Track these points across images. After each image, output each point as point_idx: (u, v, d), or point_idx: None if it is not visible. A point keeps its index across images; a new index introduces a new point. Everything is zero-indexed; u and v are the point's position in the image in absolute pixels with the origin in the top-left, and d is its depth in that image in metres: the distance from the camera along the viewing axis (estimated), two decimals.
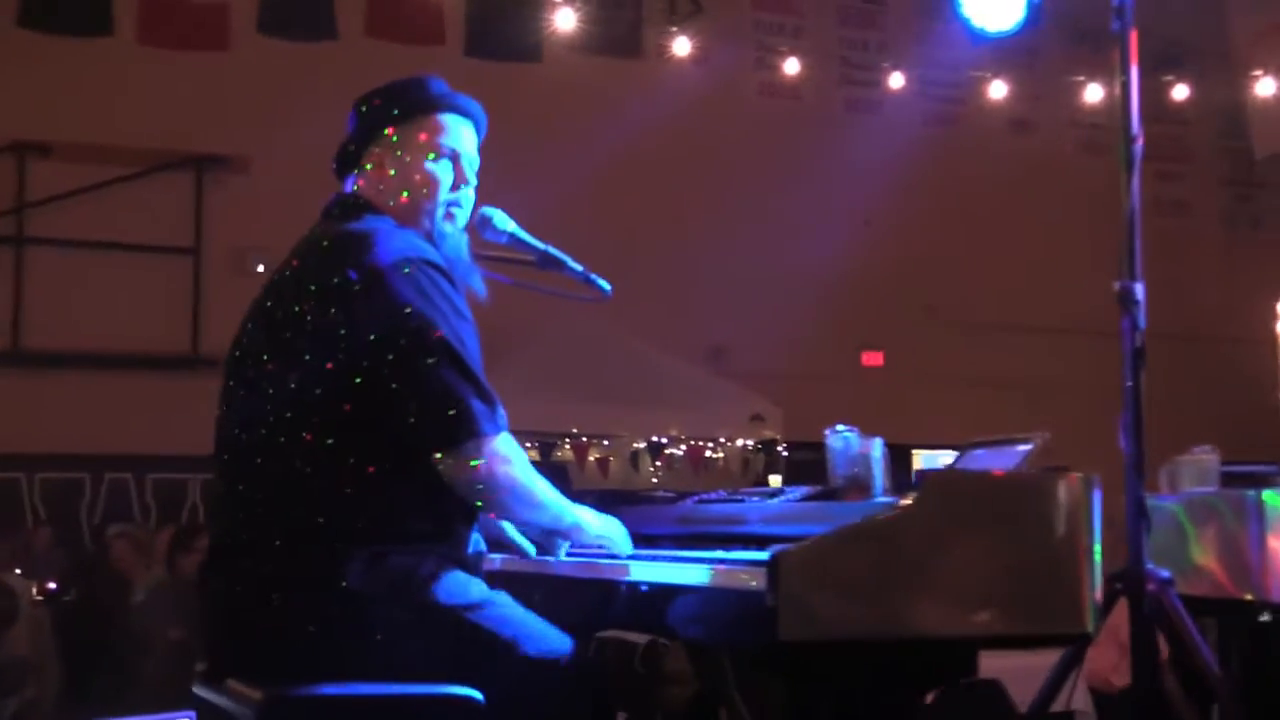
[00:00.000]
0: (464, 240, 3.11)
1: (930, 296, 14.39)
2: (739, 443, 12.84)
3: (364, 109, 3.16)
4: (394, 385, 2.81)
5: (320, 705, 2.71)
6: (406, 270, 2.84)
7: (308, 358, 2.85)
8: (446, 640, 2.82)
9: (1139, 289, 3.59)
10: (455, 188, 3.11)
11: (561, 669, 2.84)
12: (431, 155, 3.09)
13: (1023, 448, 2.91)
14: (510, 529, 3.26)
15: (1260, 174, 14.81)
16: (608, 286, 3.24)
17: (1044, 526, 2.62)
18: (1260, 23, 12.57)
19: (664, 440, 12.44)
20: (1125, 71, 3.65)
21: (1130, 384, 3.59)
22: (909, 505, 2.54)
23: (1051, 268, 14.06)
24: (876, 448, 3.38)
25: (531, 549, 3.23)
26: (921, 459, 14.17)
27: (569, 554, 3.17)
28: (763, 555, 2.55)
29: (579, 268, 3.23)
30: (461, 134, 3.15)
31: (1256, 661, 3.72)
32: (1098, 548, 2.67)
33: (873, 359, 14.68)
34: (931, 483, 2.55)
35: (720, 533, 3.29)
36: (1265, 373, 13.81)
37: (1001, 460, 2.91)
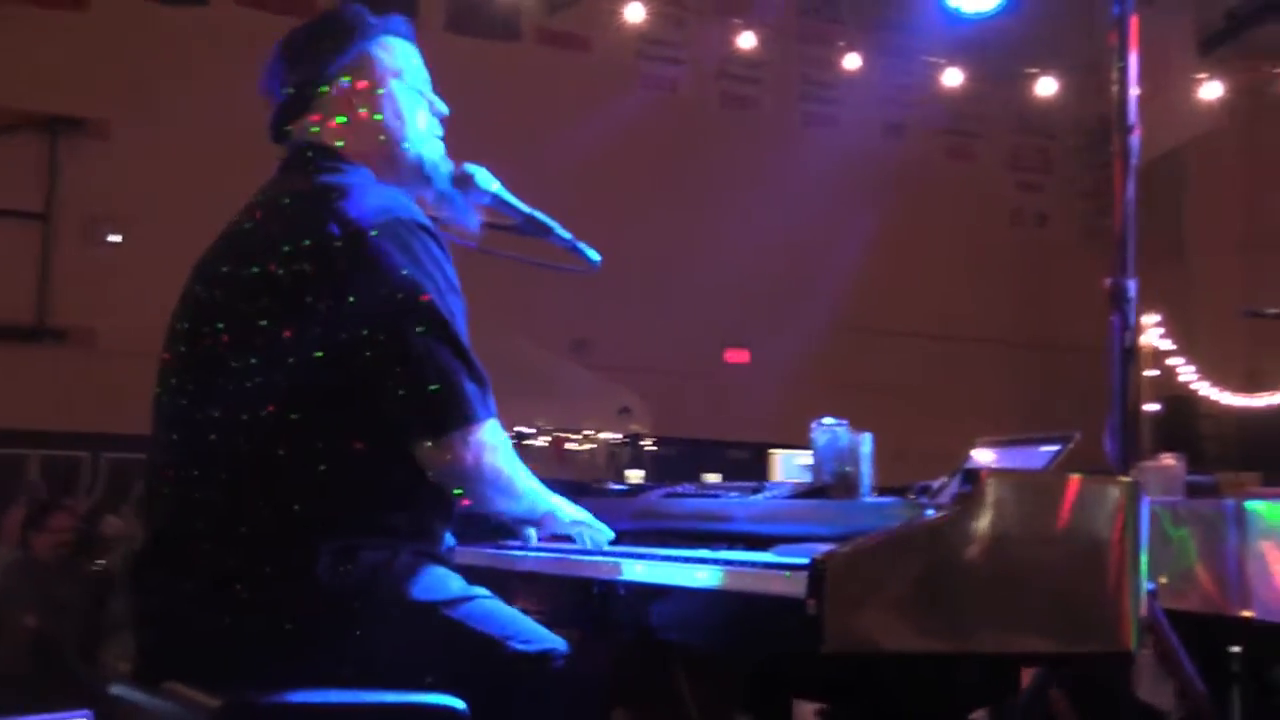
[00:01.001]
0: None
1: (795, 296, 14.32)
2: (604, 436, 12.62)
3: (299, 50, 2.81)
4: (377, 361, 2.50)
5: (285, 715, 2.39)
6: (395, 231, 2.53)
7: (276, 326, 2.53)
8: (425, 639, 2.53)
9: (1131, 286, 3.43)
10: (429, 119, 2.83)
11: (555, 668, 2.56)
12: (398, 88, 2.78)
13: (1048, 448, 2.71)
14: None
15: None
16: (596, 256, 2.97)
17: (1096, 534, 2.41)
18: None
19: (528, 431, 12.16)
20: (1123, 58, 3.49)
21: (1119, 385, 3.43)
22: (962, 506, 2.31)
23: (917, 272, 14.08)
24: (866, 443, 3.16)
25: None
26: (780, 458, 14.15)
27: (541, 548, 2.90)
28: (799, 560, 2.31)
29: (567, 235, 2.95)
30: (414, 60, 2.85)
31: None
32: (1144, 558, 2.47)
33: (737, 356, 14.56)
34: (985, 482, 2.33)
35: (700, 530, 3.05)
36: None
37: (1029, 460, 2.70)
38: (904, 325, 14.35)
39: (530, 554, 2.92)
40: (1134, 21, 3.47)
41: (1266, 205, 15.38)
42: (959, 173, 14.74)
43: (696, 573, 2.50)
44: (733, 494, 3.20)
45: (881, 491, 3.24)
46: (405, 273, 2.51)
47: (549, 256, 3.02)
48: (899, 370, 14.06)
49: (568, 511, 2.85)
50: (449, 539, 2.77)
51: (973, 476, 2.36)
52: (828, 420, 3.22)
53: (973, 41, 12.91)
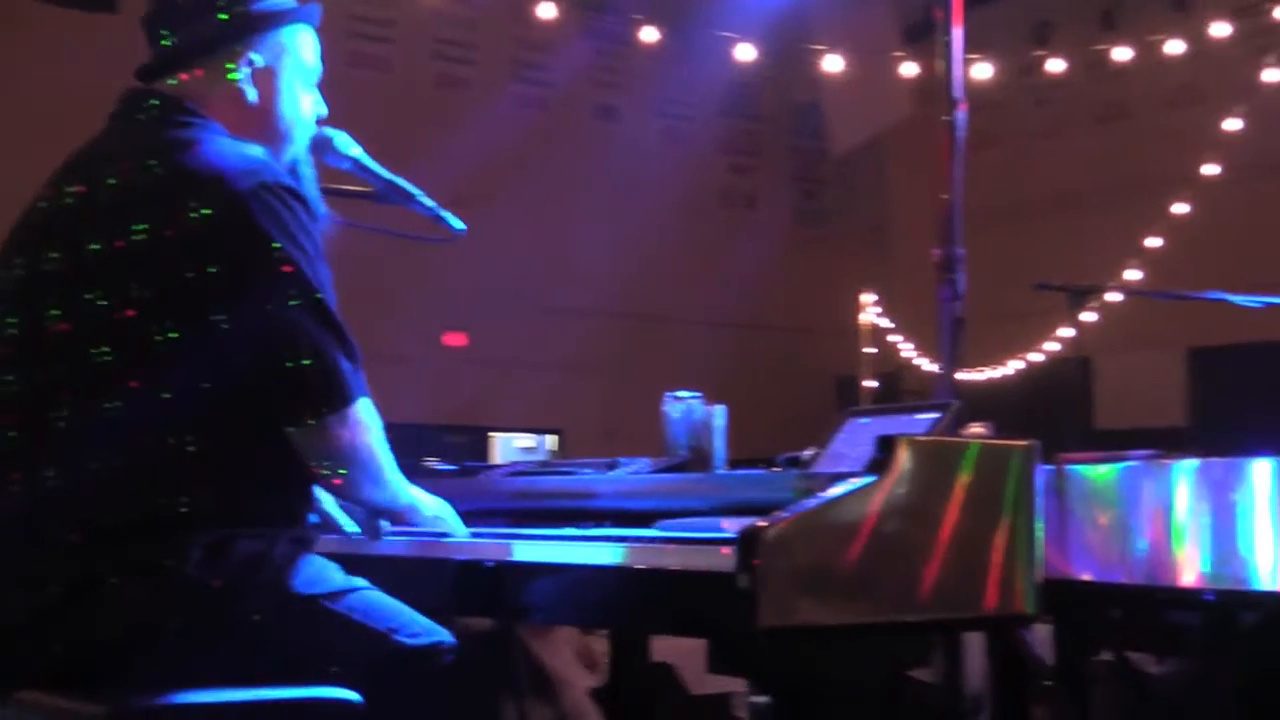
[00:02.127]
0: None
1: (511, 279, 14.24)
2: None
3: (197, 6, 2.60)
4: (245, 337, 2.33)
5: (174, 718, 2.21)
6: (261, 196, 2.36)
7: (129, 302, 2.33)
8: (310, 634, 2.39)
9: (959, 254, 3.48)
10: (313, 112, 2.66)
11: (443, 661, 2.44)
12: (289, 74, 2.61)
13: (927, 415, 2.71)
14: (329, 502, 2.81)
15: (827, 172, 15.39)
16: (461, 225, 2.84)
17: (1001, 497, 2.43)
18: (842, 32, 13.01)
19: None
20: (947, 33, 3.53)
21: (948, 355, 3.48)
22: (886, 474, 2.28)
23: (630, 255, 14.15)
24: (719, 416, 3.14)
25: (350, 525, 2.80)
26: (499, 441, 14.07)
27: (398, 533, 2.77)
28: (723, 534, 2.25)
29: (430, 203, 2.81)
30: (313, 51, 2.69)
31: None
32: (1040, 523, 2.50)
33: (455, 340, 14.38)
34: (906, 450, 2.31)
35: (566, 508, 2.96)
36: (833, 361, 14.41)
37: (911, 428, 2.69)
38: (617, 307, 14.42)
39: (406, 538, 2.78)
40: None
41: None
42: (670, 155, 14.87)
43: (604, 552, 2.41)
44: (586, 471, 3.12)
45: (734, 464, 3.21)
46: (275, 242, 2.34)
47: (411, 226, 2.87)
48: (611, 351, 14.13)
49: (429, 505, 2.73)
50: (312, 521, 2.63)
51: (889, 444, 2.33)
52: (682, 393, 3.17)
53: (682, 19, 13.06)
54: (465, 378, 13.53)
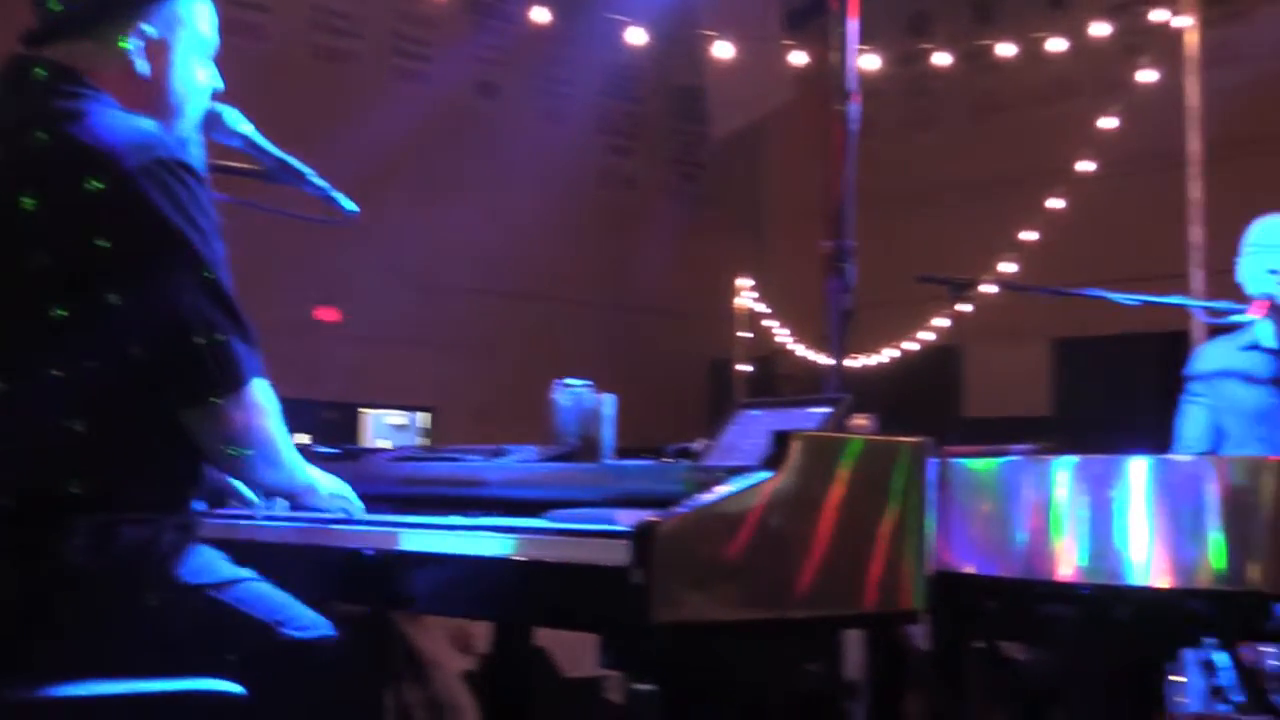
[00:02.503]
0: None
1: (384, 253, 14.08)
2: None
3: None
4: (140, 315, 2.26)
5: (49, 711, 2.15)
6: (159, 172, 2.29)
7: (17, 271, 2.26)
8: (196, 625, 2.33)
9: (850, 249, 3.49)
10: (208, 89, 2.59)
11: (329, 653, 2.40)
12: (184, 47, 2.53)
13: (819, 410, 2.71)
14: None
15: (707, 155, 15.43)
16: (353, 206, 2.79)
17: (898, 494, 2.44)
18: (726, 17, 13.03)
19: None
20: (841, 24, 3.54)
21: (837, 345, 3.49)
22: (782, 469, 2.28)
23: (508, 233, 14.08)
24: (608, 404, 3.12)
25: (251, 494, 2.74)
26: (370, 418, 13.93)
27: (286, 518, 2.72)
28: (615, 526, 2.23)
29: (321, 183, 2.75)
30: (211, 25, 2.60)
31: None
32: (932, 519, 2.52)
33: (327, 315, 14.20)
34: (801, 445, 2.31)
35: (453, 495, 2.92)
36: (708, 346, 14.45)
37: (803, 422, 2.69)
38: (493, 285, 14.33)
39: (290, 524, 2.72)
40: None
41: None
42: (550, 134, 14.81)
43: (495, 542, 2.38)
44: (474, 458, 3.08)
45: (621, 453, 3.19)
46: (168, 219, 2.28)
47: (301, 206, 2.82)
48: (486, 330, 14.05)
49: (326, 485, 2.68)
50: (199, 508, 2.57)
51: (784, 439, 2.33)
52: (571, 381, 3.15)
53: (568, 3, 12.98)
54: (337, 354, 13.37)
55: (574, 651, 5.21)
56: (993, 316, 9.39)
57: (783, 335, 12.10)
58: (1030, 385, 13.25)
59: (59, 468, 2.25)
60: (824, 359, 10.97)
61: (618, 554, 2.17)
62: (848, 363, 10.18)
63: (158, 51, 2.48)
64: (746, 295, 11.24)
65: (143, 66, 2.45)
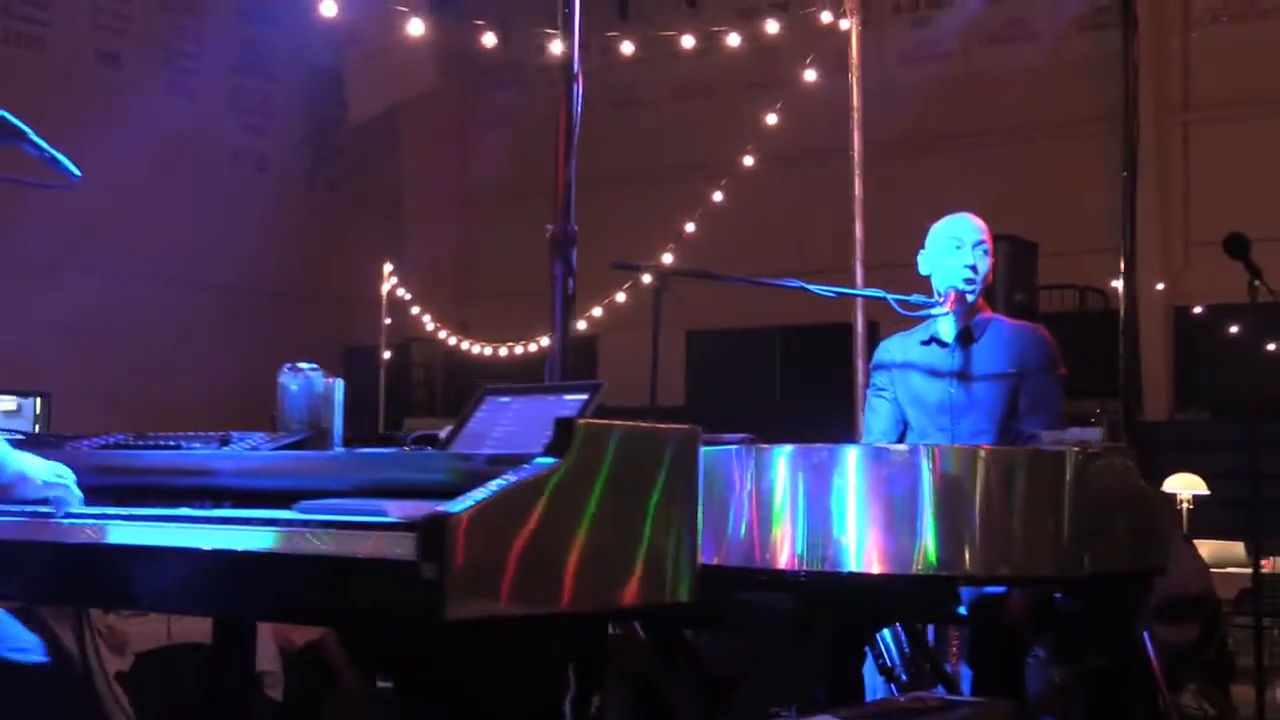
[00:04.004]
0: None
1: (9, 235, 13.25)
2: None
3: None
4: None
5: None
6: None
7: None
8: None
9: (573, 230, 3.43)
10: None
11: (43, 677, 2.19)
12: None
13: (575, 397, 2.64)
14: None
15: (342, 138, 15.11)
16: (76, 171, 2.55)
17: (673, 483, 2.39)
18: None
19: None
20: (569, 5, 3.48)
21: (559, 332, 3.44)
22: (568, 458, 2.20)
23: (140, 213, 13.45)
24: (339, 390, 2.98)
25: None
26: None
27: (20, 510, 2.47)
28: (391, 519, 2.12)
29: (43, 144, 2.51)
30: None
31: None
32: (698, 508, 2.49)
33: None
34: (585, 433, 2.24)
35: (179, 485, 2.72)
36: (342, 332, 14.09)
37: (561, 409, 2.61)
38: (113, 266, 13.65)
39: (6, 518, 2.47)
40: None
41: (475, 162, 16.16)
42: (178, 109, 14.20)
43: (251, 536, 2.22)
44: (196, 445, 2.88)
45: (349, 442, 3.05)
46: None
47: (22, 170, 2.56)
48: (105, 313, 13.37)
49: (40, 472, 2.45)
50: None
51: (568, 426, 2.26)
52: (303, 365, 2.99)
53: None
54: None
55: None
56: (625, 307, 9.52)
57: (427, 322, 11.95)
58: (666, 375, 13.52)
59: None
60: (465, 345, 10.83)
61: (404, 547, 2.05)
62: (497, 352, 10.02)
63: None
64: (388, 281, 11.04)
65: None
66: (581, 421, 2.25)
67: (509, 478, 2.15)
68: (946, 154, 12.46)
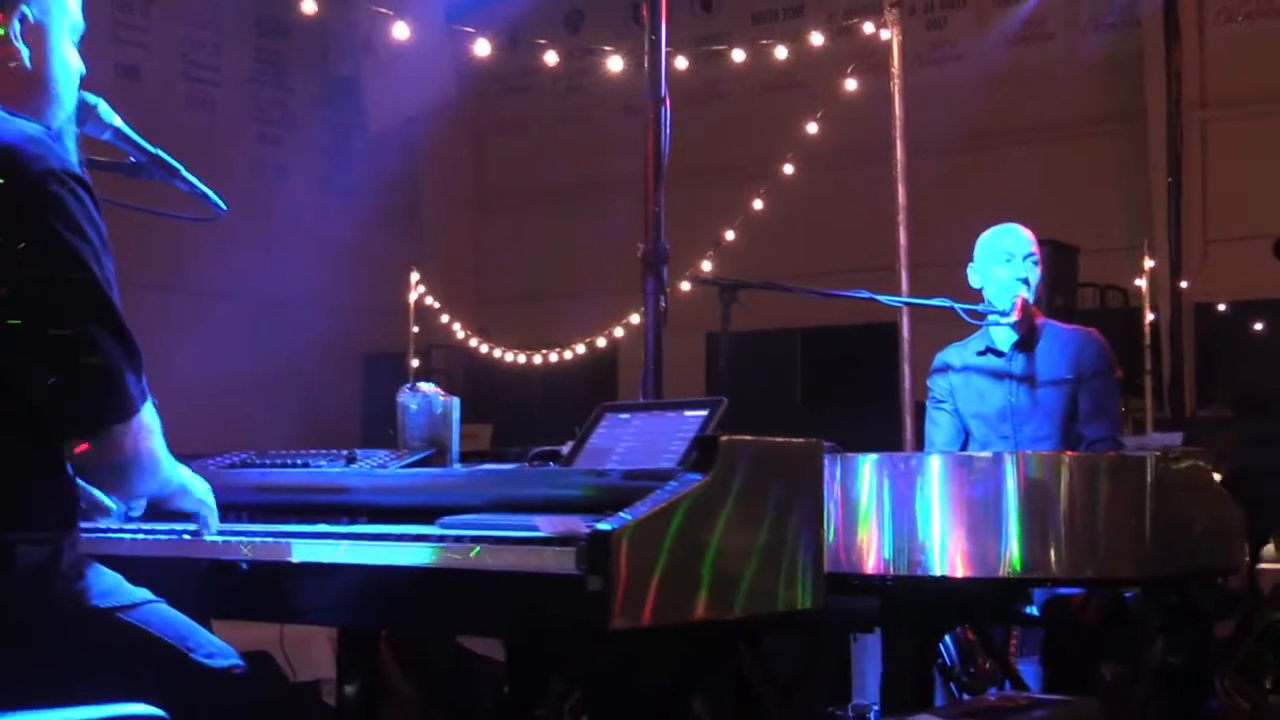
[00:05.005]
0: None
1: None
2: None
3: None
4: (25, 344, 2.12)
5: None
6: (53, 186, 2.13)
7: None
8: (107, 650, 2.20)
9: (664, 249, 3.55)
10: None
11: (238, 682, 2.30)
12: (56, 31, 2.35)
13: (696, 413, 2.76)
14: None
15: (361, 147, 15.20)
16: (224, 205, 2.66)
17: (805, 497, 2.50)
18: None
19: None
20: (655, 31, 3.59)
21: (651, 346, 3.55)
22: (714, 472, 2.32)
23: (152, 222, 13.51)
24: (456, 408, 3.09)
25: (112, 505, 2.58)
26: None
27: (166, 531, 2.59)
28: (560, 533, 2.23)
29: (193, 179, 2.62)
30: (78, 4, 2.43)
31: None
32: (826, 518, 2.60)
33: None
34: (726, 448, 2.35)
35: (316, 503, 2.83)
36: (361, 340, 14.10)
37: (682, 425, 2.73)
38: (137, 279, 13.73)
39: (178, 537, 2.58)
40: None
41: (491, 168, 16.29)
42: (198, 121, 14.31)
43: (408, 552, 2.33)
44: (322, 463, 2.99)
45: (465, 458, 3.17)
46: (64, 239, 2.12)
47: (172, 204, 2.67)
48: (136, 324, 13.45)
49: (197, 486, 2.56)
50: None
51: (710, 443, 2.37)
52: (424, 386, 3.10)
53: None
54: None
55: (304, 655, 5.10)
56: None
57: (444, 327, 12.04)
58: (687, 376, 13.62)
59: None
60: (485, 350, 10.87)
61: (566, 561, 2.16)
62: (517, 359, 10.06)
63: (36, 37, 2.31)
64: (415, 290, 11.15)
65: (25, 55, 2.28)
66: (723, 438, 2.36)
67: (659, 494, 2.26)
68: (965, 155, 12.57)
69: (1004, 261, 4.53)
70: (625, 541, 2.15)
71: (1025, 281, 4.49)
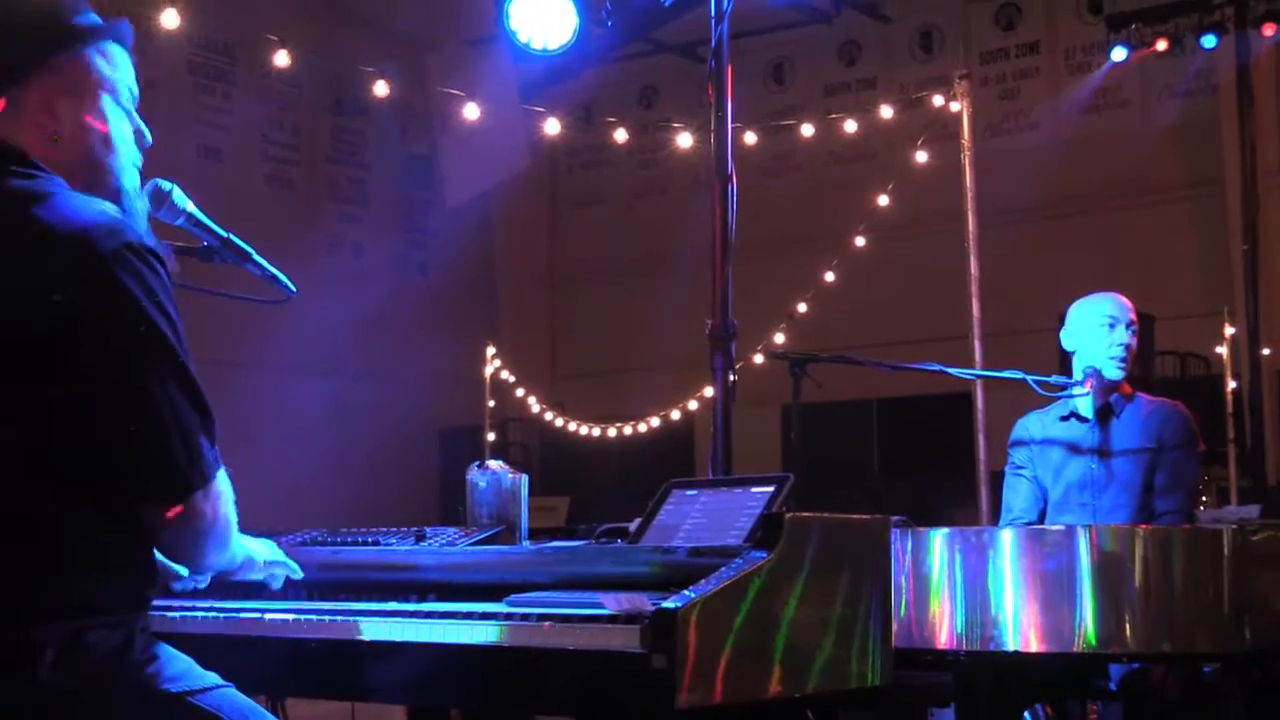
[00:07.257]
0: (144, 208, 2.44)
1: None
2: None
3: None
4: (106, 415, 2.13)
5: None
6: (126, 258, 2.16)
7: None
8: None
9: (732, 326, 3.56)
10: (137, 142, 2.42)
11: None
12: (109, 103, 2.37)
13: (763, 489, 2.76)
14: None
15: (435, 223, 15.37)
16: (294, 288, 2.70)
17: (870, 570, 2.50)
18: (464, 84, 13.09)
19: None
20: (721, 108, 3.62)
21: (720, 420, 3.55)
22: (781, 550, 2.31)
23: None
24: (524, 485, 3.11)
25: (184, 572, 2.60)
26: None
27: (216, 608, 2.61)
28: (608, 610, 2.24)
29: (263, 262, 2.66)
30: (130, 73, 2.44)
31: None
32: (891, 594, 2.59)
33: None
34: (794, 525, 2.35)
35: (384, 580, 2.85)
36: (437, 413, 14.10)
37: (747, 501, 2.73)
38: (213, 355, 13.90)
39: (268, 615, 2.61)
40: (729, 72, 3.60)
41: (563, 243, 16.41)
42: (278, 199, 14.53)
43: (476, 630, 2.35)
44: (392, 540, 3.01)
45: (534, 535, 3.18)
46: (143, 310, 2.15)
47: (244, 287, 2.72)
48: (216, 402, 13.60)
49: (263, 553, 2.58)
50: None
51: (775, 520, 2.37)
52: (492, 463, 3.12)
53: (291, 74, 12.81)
54: None
55: None
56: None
57: (520, 401, 12.09)
58: (765, 448, 13.59)
59: (21, 571, 2.11)
60: (560, 423, 10.90)
61: (630, 639, 2.16)
62: (591, 431, 10.07)
63: (77, 120, 2.32)
64: (491, 363, 11.22)
65: (66, 144, 2.29)
66: (789, 515, 2.36)
67: (724, 572, 2.26)
68: (1039, 223, 12.53)
69: (1106, 329, 4.53)
70: (690, 619, 2.15)
71: (1126, 348, 4.49)
